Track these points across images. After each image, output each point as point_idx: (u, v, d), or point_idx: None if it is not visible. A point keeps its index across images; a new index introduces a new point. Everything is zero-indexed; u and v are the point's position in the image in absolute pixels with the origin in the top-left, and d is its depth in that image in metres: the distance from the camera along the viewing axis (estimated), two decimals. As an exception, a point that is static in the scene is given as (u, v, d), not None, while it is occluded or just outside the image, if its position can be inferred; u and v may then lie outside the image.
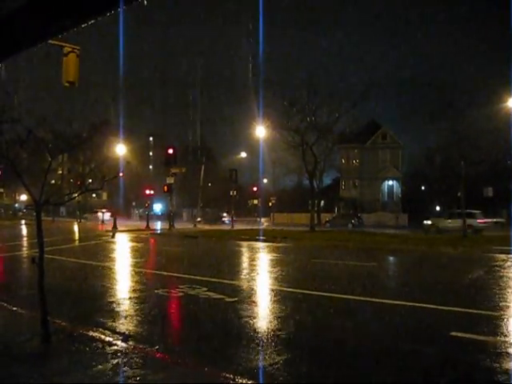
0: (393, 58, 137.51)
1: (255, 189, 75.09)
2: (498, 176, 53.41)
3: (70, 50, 16.18)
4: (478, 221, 42.16)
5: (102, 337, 7.12)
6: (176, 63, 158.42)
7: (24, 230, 42.59)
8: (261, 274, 16.30)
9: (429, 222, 43.35)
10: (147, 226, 43.41)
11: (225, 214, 72.42)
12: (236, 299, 10.84)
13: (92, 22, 4.80)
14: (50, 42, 15.86)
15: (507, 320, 9.13)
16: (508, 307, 10.45)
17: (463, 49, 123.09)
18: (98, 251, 23.21)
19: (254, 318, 9.17)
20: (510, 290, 12.71)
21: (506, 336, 7.83)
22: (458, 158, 36.70)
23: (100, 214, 70.83)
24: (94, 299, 10.88)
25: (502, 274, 15.97)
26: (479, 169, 44.27)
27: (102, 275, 14.85)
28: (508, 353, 6.86)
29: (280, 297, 11.35)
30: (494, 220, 50.71)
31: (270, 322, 8.83)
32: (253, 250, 25.19)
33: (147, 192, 51.07)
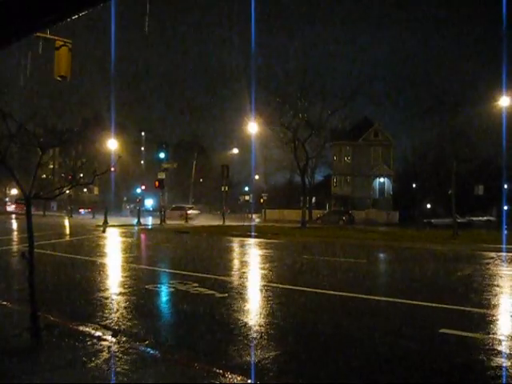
0: (386, 55, 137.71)
1: (247, 188, 75.32)
2: (489, 174, 53.68)
3: (61, 43, 16.11)
4: (188, 212, 55.35)
5: (92, 332, 7.11)
6: (168, 59, 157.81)
7: (14, 225, 42.36)
8: (251, 269, 16.32)
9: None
10: (138, 221, 43.30)
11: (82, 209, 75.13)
12: (226, 295, 10.85)
13: (79, 15, 4.74)
14: (43, 35, 15.81)
15: (497, 317, 9.19)
16: (497, 304, 10.52)
17: (456, 47, 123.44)
18: (88, 246, 23.14)
19: (245, 313, 9.18)
20: (497, 287, 12.78)
21: (494, 333, 7.88)
22: (449, 156, 36.86)
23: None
24: (84, 294, 10.84)
25: (490, 270, 16.07)
26: (470, 167, 44.54)
27: (92, 270, 14.80)
28: (497, 350, 6.91)
29: (270, 293, 11.37)
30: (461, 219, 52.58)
31: (261, 317, 8.84)
32: (244, 246, 25.21)
33: (139, 190, 51.04)
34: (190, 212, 58.32)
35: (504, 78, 30.02)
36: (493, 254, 21.27)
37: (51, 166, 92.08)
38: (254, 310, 9.75)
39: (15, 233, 32.46)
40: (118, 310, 9.19)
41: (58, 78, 16.30)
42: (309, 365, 6.37)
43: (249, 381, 5.45)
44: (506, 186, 49.70)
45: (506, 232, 32.62)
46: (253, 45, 48.90)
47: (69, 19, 4.93)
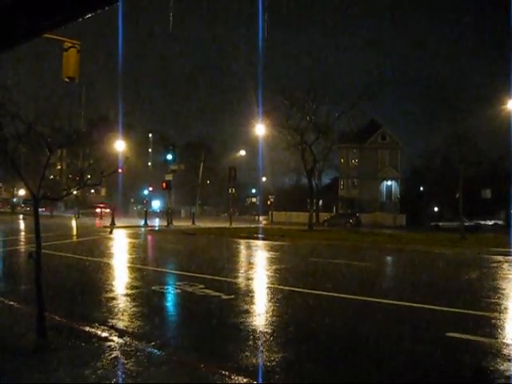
0: (394, 58, 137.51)
1: (254, 190, 75.41)
2: (496, 177, 53.42)
3: (70, 45, 16.17)
4: (97, 211, 61.13)
5: (99, 332, 7.12)
6: (176, 61, 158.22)
7: (22, 225, 42.53)
8: (258, 271, 16.30)
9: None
10: (145, 222, 43.36)
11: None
12: (233, 296, 10.84)
13: (86, 17, 4.75)
14: (51, 36, 15.88)
15: (504, 321, 9.14)
16: (504, 308, 10.46)
17: (464, 50, 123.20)
18: (95, 247, 23.19)
19: (251, 315, 9.17)
20: (505, 291, 12.71)
21: (502, 337, 7.84)
22: (456, 160, 36.75)
23: None
24: (90, 295, 10.87)
25: (497, 273, 16.01)
26: (478, 170, 44.39)
27: (99, 271, 14.83)
28: (504, 354, 6.86)
29: (277, 295, 11.35)
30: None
31: (267, 319, 8.83)
32: (250, 248, 25.21)
33: (146, 191, 51.24)
34: (98, 211, 62.15)
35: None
36: (500, 258, 21.17)
37: (59, 167, 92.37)
38: (260, 311, 9.73)
39: (23, 233, 32.60)
40: (124, 311, 9.21)
41: (66, 80, 16.35)
42: (315, 367, 6.35)
43: (255, 383, 5.44)
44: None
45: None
46: (260, 48, 48.94)
47: (76, 21, 4.94)
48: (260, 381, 5.62)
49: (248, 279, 14.17)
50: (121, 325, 8.09)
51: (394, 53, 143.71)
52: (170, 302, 10.99)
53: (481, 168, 46.06)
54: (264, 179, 79.76)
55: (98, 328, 7.42)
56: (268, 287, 12.67)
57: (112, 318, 8.55)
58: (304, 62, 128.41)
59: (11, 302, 9.05)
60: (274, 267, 16.90)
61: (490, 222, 55.91)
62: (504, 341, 7.61)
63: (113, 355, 6.04)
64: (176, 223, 46.01)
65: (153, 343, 6.88)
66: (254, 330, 7.93)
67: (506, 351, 7.03)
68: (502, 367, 6.32)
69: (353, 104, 47.91)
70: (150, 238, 32.58)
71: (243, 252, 23.84)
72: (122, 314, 8.93)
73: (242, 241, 29.19)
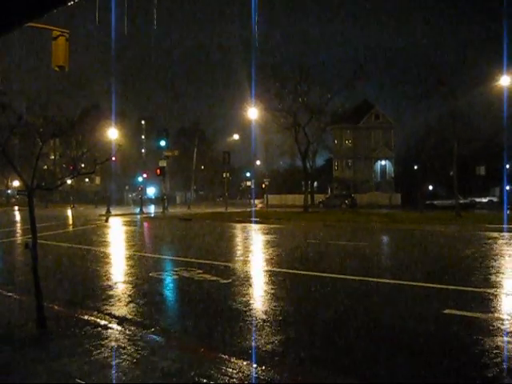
0: (385, 36, 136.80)
1: (248, 174, 75.37)
2: (490, 155, 53.52)
3: (58, 33, 16.03)
4: None
5: (98, 320, 7.14)
6: (168, 46, 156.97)
7: (17, 216, 42.44)
8: (255, 255, 16.35)
9: None
10: (140, 209, 43.34)
11: None
12: (230, 281, 10.88)
13: (67, 4, 4.63)
14: (39, 26, 15.73)
15: (500, 297, 9.21)
16: (499, 284, 10.54)
17: (457, 26, 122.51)
18: (91, 236, 23.19)
19: (249, 299, 9.21)
20: (500, 267, 12.79)
21: (498, 313, 7.90)
22: (450, 137, 36.75)
23: None
24: (88, 283, 10.88)
25: (492, 250, 16.10)
26: (472, 148, 44.39)
27: (96, 259, 14.84)
28: (501, 329, 6.93)
29: (274, 278, 11.39)
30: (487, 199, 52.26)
31: (265, 302, 8.87)
32: (246, 232, 25.26)
33: (140, 178, 51.14)
34: None
35: (504, 57, 29.82)
36: (495, 234, 21.30)
37: (52, 157, 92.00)
38: (258, 295, 9.77)
39: (18, 224, 32.54)
40: (122, 299, 9.23)
41: (56, 68, 16.24)
42: (313, 349, 6.38)
43: (254, 365, 5.48)
44: (507, 166, 49.59)
45: (507, 212, 32.62)
46: (253, 30, 48.63)
47: (56, 9, 4.84)
48: (258, 363, 5.65)
49: (245, 263, 14.22)
50: (120, 312, 8.11)
51: (387, 31, 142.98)
52: (168, 288, 11.01)
53: (474, 145, 46.04)
54: (258, 163, 79.70)
55: (97, 316, 7.43)
56: (266, 270, 12.70)
57: (111, 306, 8.57)
58: (296, 43, 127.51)
59: (9, 293, 9.05)
60: (271, 250, 16.96)
61: (485, 199, 56.24)
62: (501, 316, 7.67)
63: (113, 342, 6.06)
64: (172, 209, 46.10)
65: (152, 329, 6.91)
66: (253, 314, 7.97)
67: (502, 326, 7.09)
68: (498, 342, 6.37)
69: (345, 84, 47.72)
70: (146, 225, 32.60)
71: (240, 236, 23.88)
72: (121, 302, 8.95)
73: (239, 225, 29.26)
